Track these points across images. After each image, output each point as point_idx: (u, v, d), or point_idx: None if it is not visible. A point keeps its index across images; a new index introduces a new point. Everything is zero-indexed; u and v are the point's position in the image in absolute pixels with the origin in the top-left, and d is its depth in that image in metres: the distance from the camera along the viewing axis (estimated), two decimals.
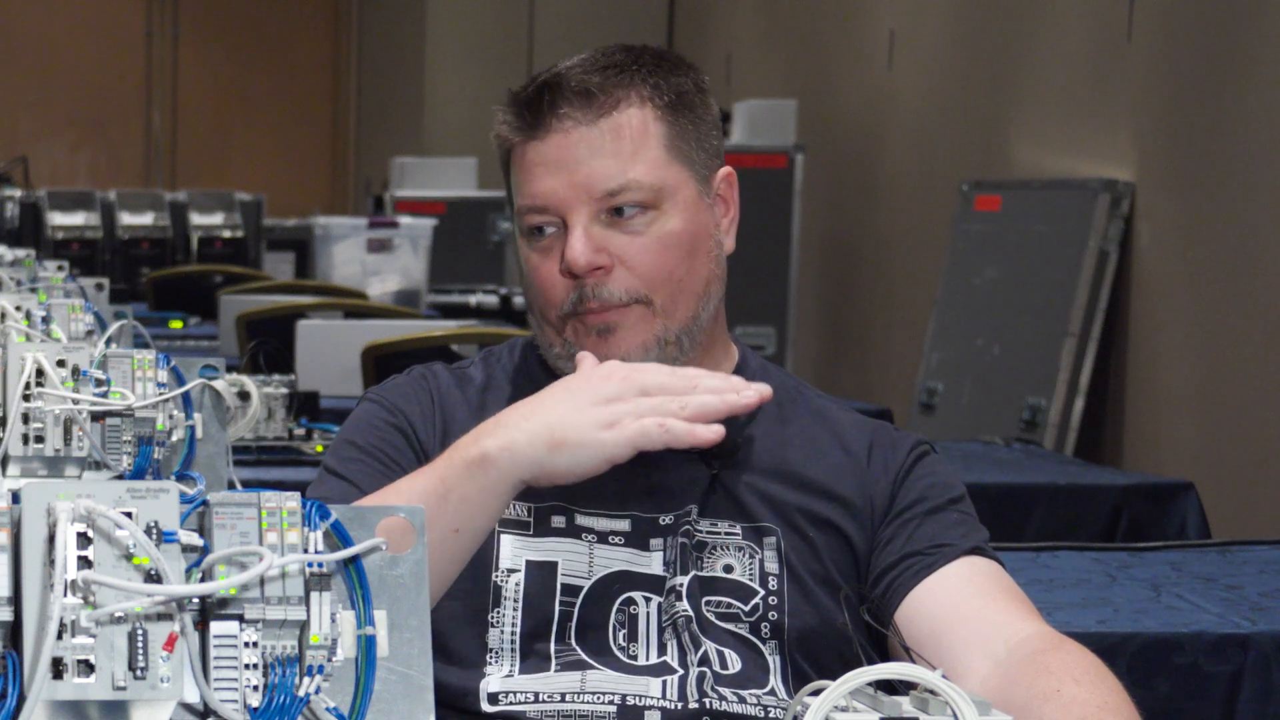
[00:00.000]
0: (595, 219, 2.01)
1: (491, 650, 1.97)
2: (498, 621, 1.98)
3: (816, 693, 1.38)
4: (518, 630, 1.98)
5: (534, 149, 2.04)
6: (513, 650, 1.97)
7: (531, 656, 1.97)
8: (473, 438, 1.87)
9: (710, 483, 2.04)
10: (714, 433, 1.83)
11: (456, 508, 1.84)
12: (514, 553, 2.00)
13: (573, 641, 1.97)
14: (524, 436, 1.83)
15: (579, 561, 2.00)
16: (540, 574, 2.00)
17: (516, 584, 1.99)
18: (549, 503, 2.02)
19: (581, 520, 2.02)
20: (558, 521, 2.02)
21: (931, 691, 1.41)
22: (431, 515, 1.79)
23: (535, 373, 2.12)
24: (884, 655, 1.99)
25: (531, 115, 2.04)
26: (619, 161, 2.01)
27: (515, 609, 1.98)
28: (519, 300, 8.62)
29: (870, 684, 1.41)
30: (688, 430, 1.82)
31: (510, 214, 2.13)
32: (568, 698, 1.94)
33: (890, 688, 1.45)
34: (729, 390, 1.86)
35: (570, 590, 1.99)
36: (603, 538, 2.01)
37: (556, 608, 1.98)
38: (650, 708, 1.93)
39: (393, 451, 2.06)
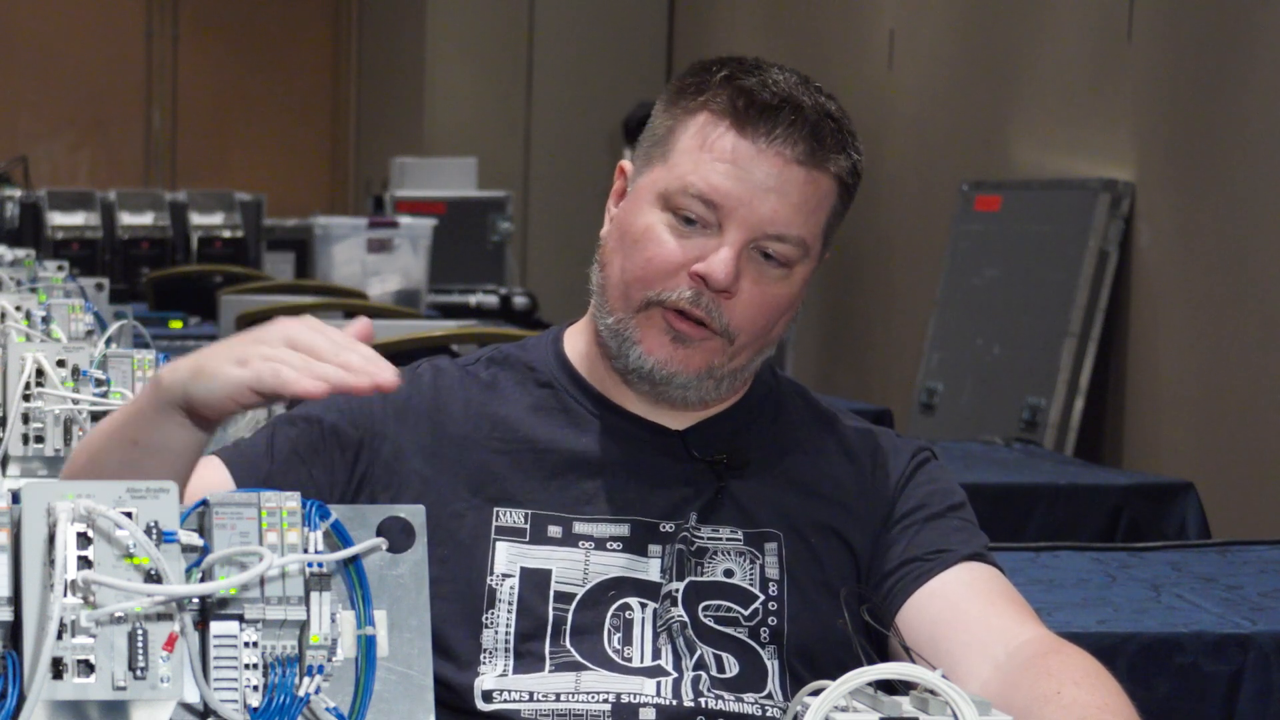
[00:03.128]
0: (746, 246, 2.00)
1: (486, 650, 1.97)
2: (492, 623, 1.98)
3: (816, 692, 1.38)
4: (512, 631, 1.98)
5: (739, 146, 1.99)
6: (507, 650, 1.97)
7: (526, 657, 1.97)
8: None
9: (715, 491, 2.04)
10: (314, 387, 1.73)
11: (133, 418, 1.84)
12: (508, 559, 2.00)
13: (567, 644, 1.97)
14: (185, 364, 1.82)
15: (574, 570, 2.00)
16: (534, 580, 2.00)
17: (511, 588, 1.99)
18: (547, 511, 2.02)
19: (580, 528, 2.02)
20: (554, 531, 2.02)
21: (931, 691, 1.41)
22: (117, 420, 1.85)
23: (554, 372, 2.10)
24: (884, 660, 1.98)
25: (760, 117, 1.99)
26: (799, 214, 2.00)
27: (510, 611, 1.98)
28: (519, 300, 8.62)
29: (870, 684, 1.41)
30: (295, 379, 1.73)
31: (640, 155, 2.06)
32: (562, 697, 1.94)
33: (890, 688, 1.45)
34: (360, 374, 1.73)
35: (564, 597, 1.99)
36: (600, 544, 2.01)
37: (550, 612, 1.98)
38: (645, 705, 1.94)
39: (338, 432, 2.04)
